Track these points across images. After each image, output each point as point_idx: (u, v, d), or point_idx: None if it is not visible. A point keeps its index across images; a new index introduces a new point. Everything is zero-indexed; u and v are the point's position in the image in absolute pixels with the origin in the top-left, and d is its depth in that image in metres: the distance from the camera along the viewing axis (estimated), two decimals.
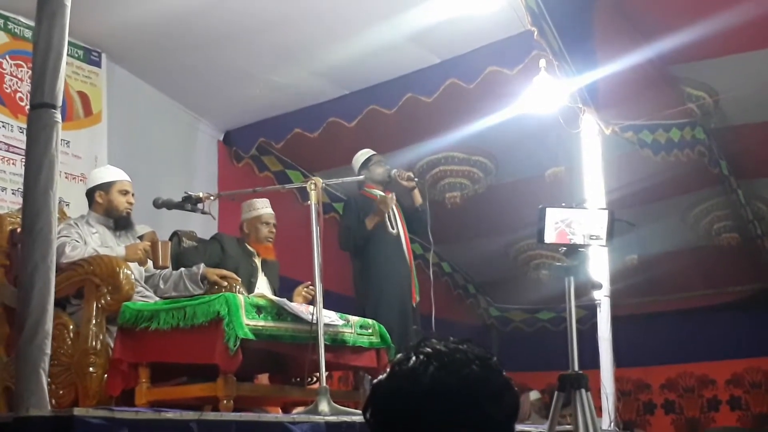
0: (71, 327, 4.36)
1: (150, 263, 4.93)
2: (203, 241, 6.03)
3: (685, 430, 10.46)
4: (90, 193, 5.02)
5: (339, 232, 6.52)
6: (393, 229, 6.36)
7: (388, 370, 1.56)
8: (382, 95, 7.06)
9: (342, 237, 6.44)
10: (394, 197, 6.39)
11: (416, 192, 6.47)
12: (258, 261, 5.85)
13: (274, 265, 5.96)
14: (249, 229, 5.95)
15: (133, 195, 5.01)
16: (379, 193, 6.43)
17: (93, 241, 4.78)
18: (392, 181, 6.45)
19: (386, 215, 6.33)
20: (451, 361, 1.51)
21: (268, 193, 6.13)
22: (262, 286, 5.75)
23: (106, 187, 4.96)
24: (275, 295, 5.47)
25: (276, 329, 4.29)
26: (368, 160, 6.52)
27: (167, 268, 4.94)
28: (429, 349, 1.53)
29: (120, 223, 4.97)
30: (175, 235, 5.86)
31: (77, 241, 4.68)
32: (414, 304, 6.31)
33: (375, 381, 1.59)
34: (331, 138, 7.38)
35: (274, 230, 5.96)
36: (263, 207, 5.97)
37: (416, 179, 6.49)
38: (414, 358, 1.53)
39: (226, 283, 4.98)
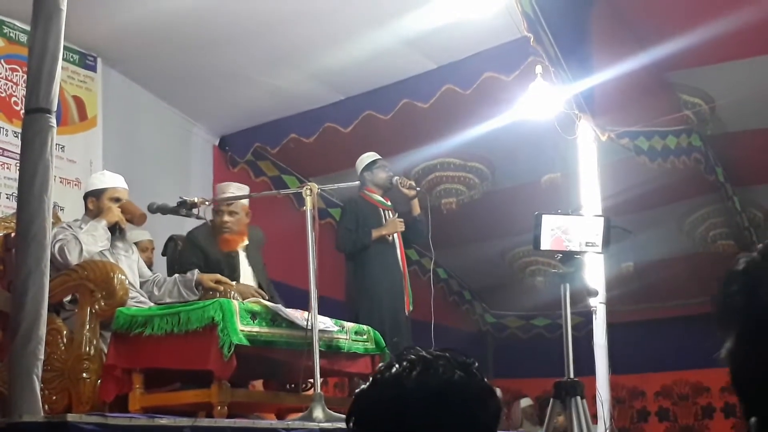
0: (65, 332, 4.34)
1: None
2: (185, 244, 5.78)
3: None
4: (84, 199, 5.02)
5: (337, 233, 6.48)
6: (389, 237, 6.35)
7: (370, 379, 1.56)
8: (378, 101, 7.07)
9: (340, 239, 6.38)
10: (403, 225, 6.36)
11: (415, 201, 6.44)
12: (239, 249, 5.55)
13: (254, 244, 5.68)
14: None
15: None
16: (378, 198, 6.42)
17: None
18: (393, 187, 6.44)
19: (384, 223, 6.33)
20: (435, 366, 1.51)
21: (264, 199, 6.10)
22: (247, 275, 5.55)
23: (97, 194, 4.94)
24: (261, 276, 5.41)
25: (271, 335, 4.28)
26: (373, 163, 6.50)
27: (144, 219, 4.96)
28: (412, 356, 1.54)
29: (112, 229, 4.96)
30: (171, 240, 5.84)
31: (74, 238, 4.68)
32: (407, 314, 6.29)
33: (357, 390, 1.59)
34: (327, 143, 7.38)
35: (230, 218, 5.49)
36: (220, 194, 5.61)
37: (418, 189, 6.46)
38: (397, 365, 1.53)
39: (222, 288, 4.96)
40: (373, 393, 1.54)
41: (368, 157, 6.53)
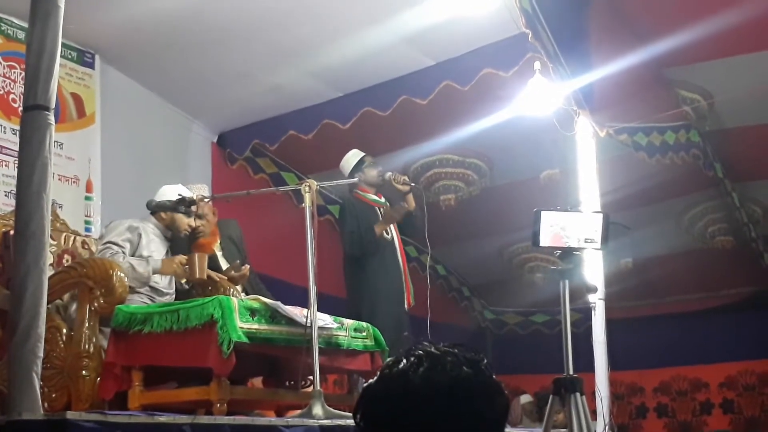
0: (64, 330, 4.34)
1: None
2: None
3: None
4: (156, 207, 5.09)
5: (343, 238, 6.33)
6: (387, 234, 6.34)
7: (378, 373, 1.56)
8: (377, 97, 7.06)
9: (347, 242, 6.27)
10: (398, 213, 6.32)
11: (410, 196, 6.41)
12: (216, 249, 5.47)
13: (227, 238, 5.59)
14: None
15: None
16: (372, 197, 6.40)
17: (155, 248, 4.92)
18: (386, 183, 6.41)
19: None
20: (442, 362, 1.50)
21: (263, 196, 6.09)
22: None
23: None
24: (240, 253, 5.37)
25: (270, 332, 4.28)
26: (361, 162, 6.46)
27: (203, 280, 4.93)
28: (420, 352, 1.53)
29: (175, 239, 5.12)
30: None
31: (123, 252, 4.72)
32: (407, 309, 6.28)
33: (365, 384, 1.58)
34: (326, 140, 7.37)
35: (201, 221, 5.38)
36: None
37: (412, 184, 6.43)
38: (404, 360, 1.53)
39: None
40: (380, 388, 1.53)
41: (354, 156, 6.46)
